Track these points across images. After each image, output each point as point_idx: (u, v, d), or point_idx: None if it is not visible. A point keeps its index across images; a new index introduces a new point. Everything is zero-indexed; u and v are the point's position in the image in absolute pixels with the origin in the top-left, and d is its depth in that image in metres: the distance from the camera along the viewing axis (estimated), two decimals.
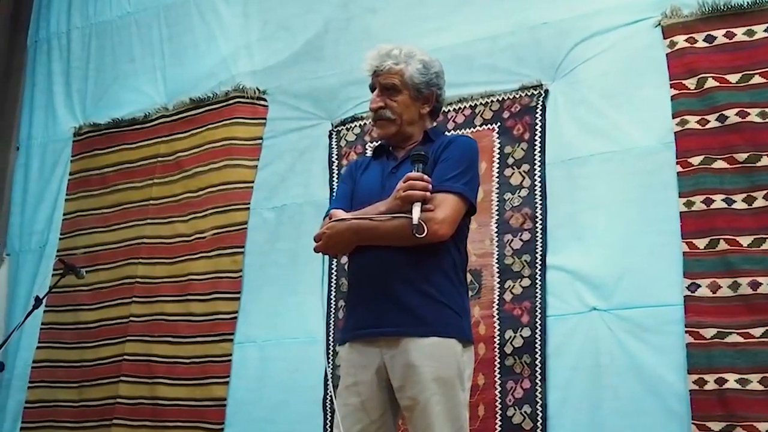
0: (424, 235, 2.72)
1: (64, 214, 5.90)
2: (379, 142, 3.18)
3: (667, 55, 4.18)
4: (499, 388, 4.16)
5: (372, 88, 3.08)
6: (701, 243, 3.88)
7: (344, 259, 4.57)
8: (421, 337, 2.78)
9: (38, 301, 4.66)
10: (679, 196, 3.98)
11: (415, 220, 2.71)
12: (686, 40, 4.14)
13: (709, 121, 4.00)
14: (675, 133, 4.06)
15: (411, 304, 2.80)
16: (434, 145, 3.00)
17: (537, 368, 4.09)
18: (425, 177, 2.79)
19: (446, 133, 4.44)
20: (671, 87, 4.12)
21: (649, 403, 3.84)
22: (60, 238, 5.84)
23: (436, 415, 2.73)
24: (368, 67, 3.06)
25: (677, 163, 4.02)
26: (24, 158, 6.22)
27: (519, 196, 4.36)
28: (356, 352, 2.88)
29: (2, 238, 6.11)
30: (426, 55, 3.06)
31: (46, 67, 6.37)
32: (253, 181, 5.23)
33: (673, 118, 4.07)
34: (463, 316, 2.92)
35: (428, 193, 2.77)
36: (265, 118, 5.33)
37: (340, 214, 2.92)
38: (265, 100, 5.37)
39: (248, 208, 5.18)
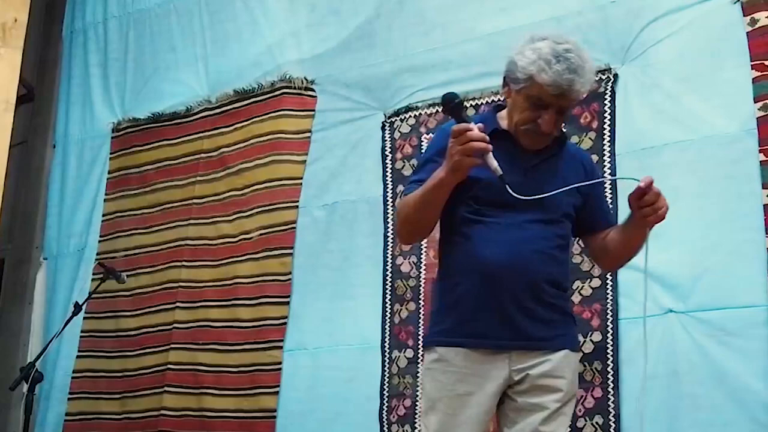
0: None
1: (103, 215, 5.99)
2: (501, 127, 2.91)
3: (747, 33, 4.11)
4: None
5: (539, 103, 2.78)
6: None
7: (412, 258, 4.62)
8: (556, 351, 2.80)
9: (78, 308, 4.71)
10: (763, 188, 3.93)
11: (499, 171, 2.61)
12: None
13: None
14: (758, 118, 4.00)
15: (545, 317, 2.80)
16: (570, 152, 2.98)
17: (609, 376, 4.07)
18: (472, 125, 2.61)
19: None
20: (753, 68, 4.06)
21: (733, 413, 3.80)
22: (99, 241, 5.93)
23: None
24: (551, 83, 2.70)
25: (760, 151, 3.97)
26: (61, 157, 6.34)
27: None
28: (476, 360, 2.80)
29: (39, 241, 6.23)
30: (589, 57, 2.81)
31: (83, 60, 6.48)
32: (301, 178, 5.26)
33: (755, 102, 4.02)
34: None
35: (488, 142, 2.62)
36: (313, 110, 5.35)
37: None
38: (313, 90, 5.39)
39: (297, 207, 5.21)
